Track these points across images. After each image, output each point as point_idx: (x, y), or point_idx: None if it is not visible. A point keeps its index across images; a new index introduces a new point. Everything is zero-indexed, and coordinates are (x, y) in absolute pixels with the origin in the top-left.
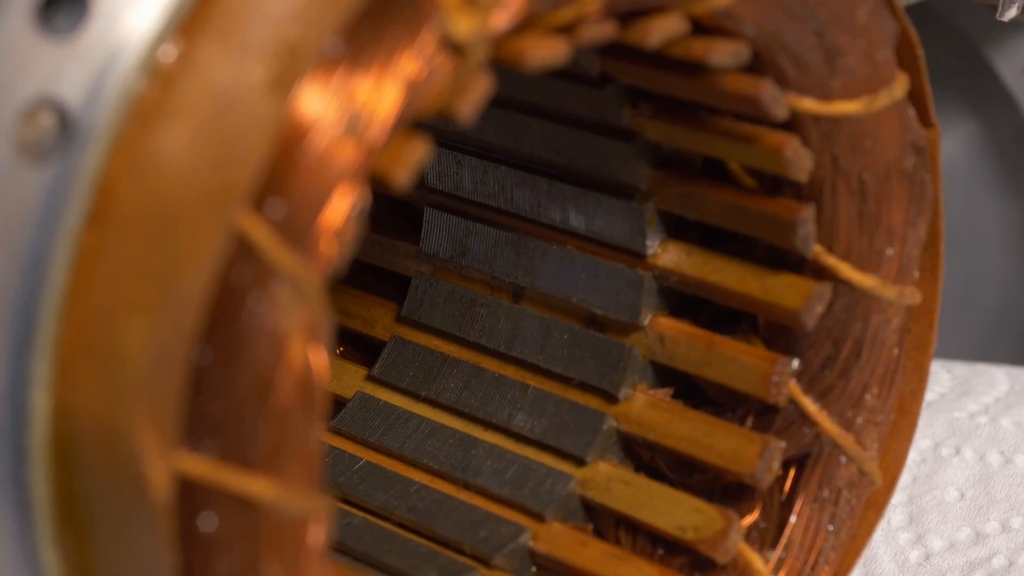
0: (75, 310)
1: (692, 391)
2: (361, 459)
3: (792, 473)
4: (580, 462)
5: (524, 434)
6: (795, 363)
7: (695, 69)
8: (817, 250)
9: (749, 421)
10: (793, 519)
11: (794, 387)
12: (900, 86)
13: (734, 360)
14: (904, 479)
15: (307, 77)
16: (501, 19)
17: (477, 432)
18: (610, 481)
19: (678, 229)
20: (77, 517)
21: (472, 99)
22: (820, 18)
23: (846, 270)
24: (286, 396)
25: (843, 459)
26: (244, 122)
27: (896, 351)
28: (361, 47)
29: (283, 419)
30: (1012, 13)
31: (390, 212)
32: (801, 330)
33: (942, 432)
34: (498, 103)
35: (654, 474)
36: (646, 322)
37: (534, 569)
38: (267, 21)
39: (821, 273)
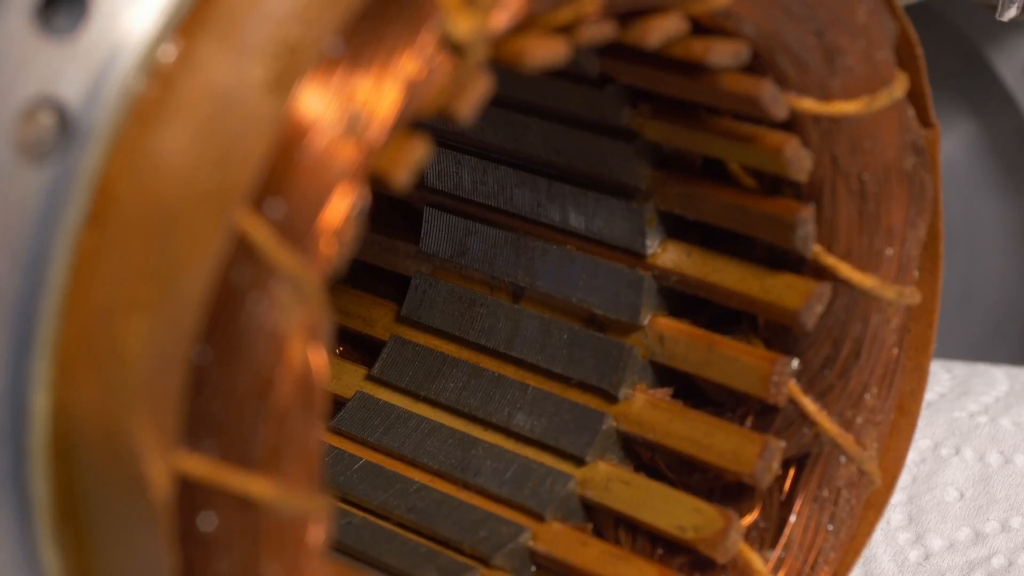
0: (75, 310)
1: (692, 391)
2: (361, 459)
3: (792, 473)
4: (580, 462)
5: (524, 434)
6: (795, 363)
7: (695, 69)
8: (817, 250)
9: (749, 421)
10: (793, 519)
11: (794, 387)
12: (900, 86)
13: (734, 360)
14: (904, 479)
15: (307, 77)
16: (501, 19)
17: (477, 432)
18: (610, 481)
19: (678, 229)
20: (77, 517)
21: (472, 99)
22: (820, 18)
23: (846, 270)
24: (286, 396)
25: (843, 459)
26: (244, 122)
27: (896, 351)
28: (361, 47)
29: (283, 419)
30: (1012, 13)
31: (390, 212)
32: (801, 330)
33: (942, 432)
34: (498, 103)
35: (654, 474)
36: (646, 322)
37: (534, 569)
38: (267, 21)
39: (821, 273)
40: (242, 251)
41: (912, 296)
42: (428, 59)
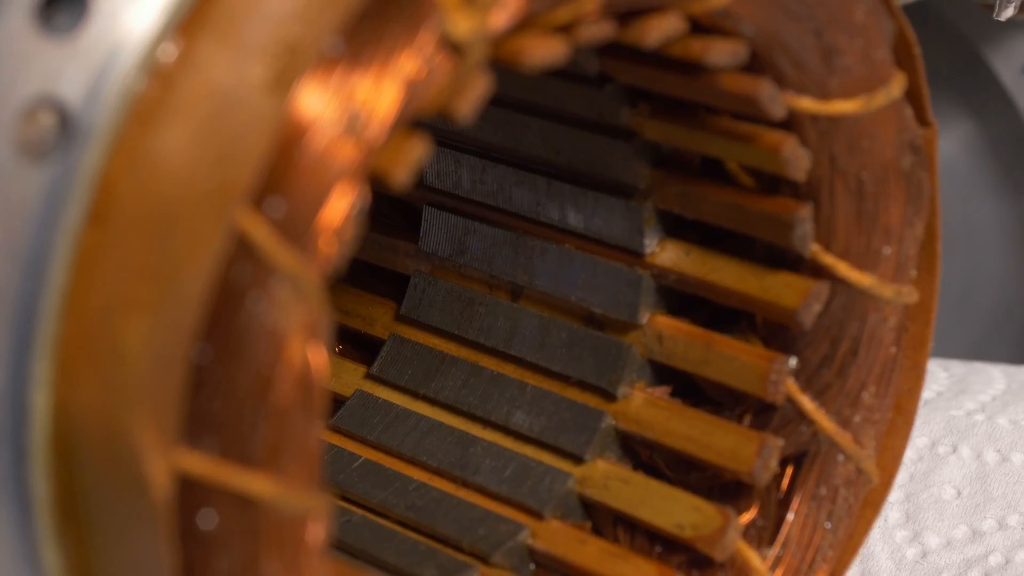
0: (75, 309)
1: (690, 389)
2: (360, 457)
3: (790, 471)
4: (578, 460)
5: (523, 432)
6: (793, 361)
7: (693, 68)
8: (815, 249)
9: (747, 419)
10: (791, 517)
11: (792, 385)
12: (897, 85)
13: (732, 359)
14: (901, 477)
15: (307, 76)
16: (500, 19)
17: (476, 430)
18: (608, 479)
19: (676, 228)
20: (77, 515)
21: (471, 98)
22: (818, 18)
23: (844, 269)
24: (285, 394)
25: (840, 457)
26: (244, 121)
27: (893, 350)
28: (360, 46)
29: (282, 417)
30: (1009, 12)
31: (389, 211)
32: (799, 329)
33: (939, 430)
34: (497, 102)
35: (652, 472)
36: (644, 321)
37: (532, 567)
38: (267, 21)
39: (819, 272)
40: (242, 250)
41: (910, 295)
42: (427, 58)
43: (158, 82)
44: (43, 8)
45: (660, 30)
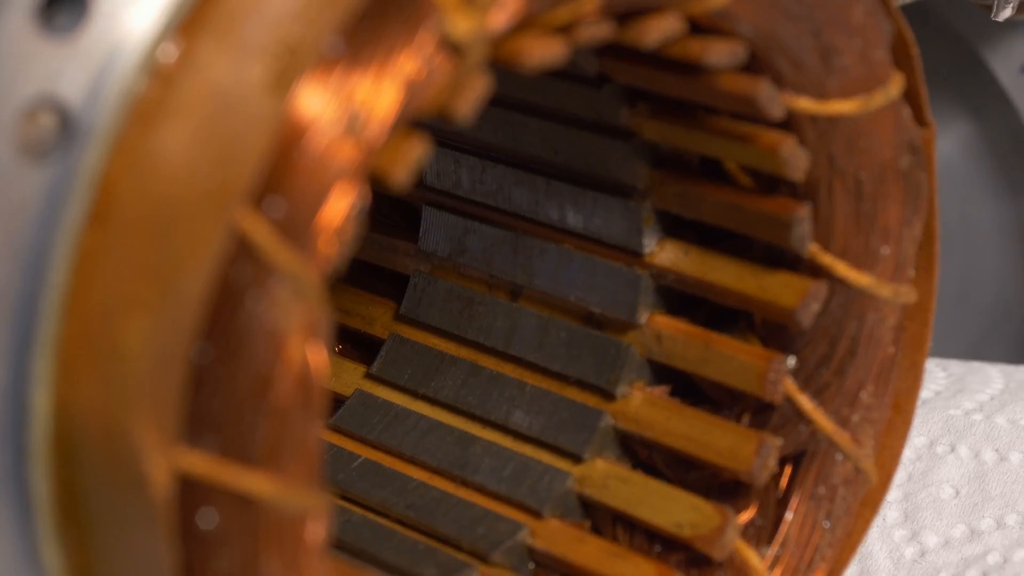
0: (76, 309)
1: (689, 389)
2: (360, 456)
3: (788, 470)
4: (577, 459)
5: (522, 431)
6: (791, 361)
7: (692, 69)
8: (813, 249)
9: (745, 419)
10: (789, 516)
11: (790, 385)
12: (896, 86)
13: (731, 358)
14: (899, 476)
15: (306, 77)
16: (499, 19)
17: (475, 429)
18: (607, 478)
19: (675, 228)
20: (78, 515)
21: (470, 99)
22: (817, 18)
23: (842, 269)
24: (285, 394)
25: (839, 456)
26: (244, 121)
27: (892, 349)
28: (360, 47)
29: (282, 416)
30: (1007, 13)
31: (389, 211)
32: (797, 328)
33: (937, 429)
34: (496, 102)
35: (651, 471)
36: (643, 320)
37: (532, 566)
38: (266, 21)
39: (817, 272)
40: (242, 250)
41: (908, 295)
42: (427, 59)
43: (158, 82)
44: (43, 8)
45: (659, 30)
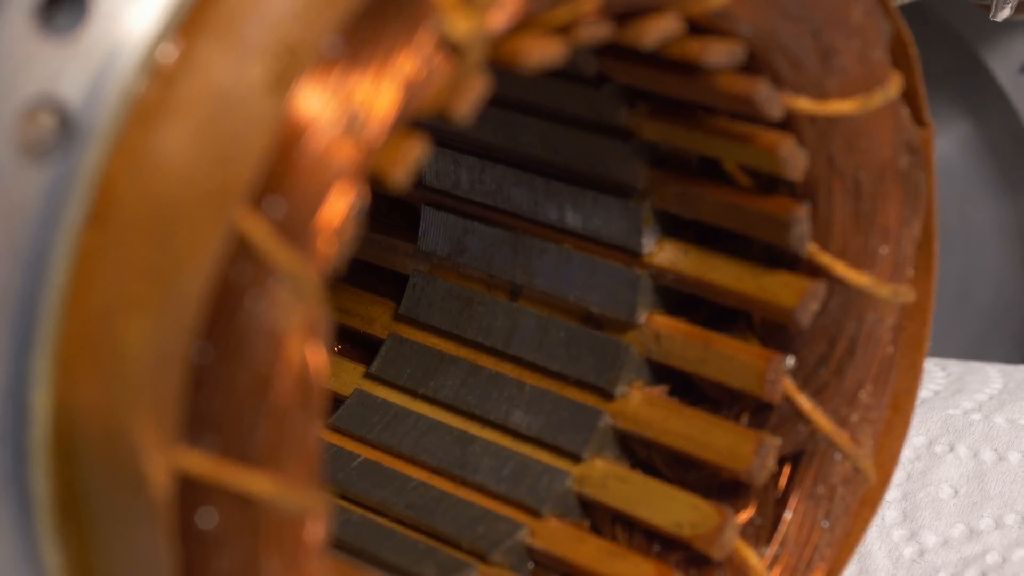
0: (76, 308)
1: (688, 388)
2: (359, 456)
3: (787, 470)
4: (577, 459)
5: (521, 431)
6: (790, 361)
7: (691, 69)
8: (812, 248)
9: (744, 418)
10: (788, 516)
11: (789, 384)
12: (894, 86)
13: (730, 358)
14: (898, 476)
15: (306, 77)
16: (498, 19)
17: (474, 429)
18: (607, 478)
19: (674, 228)
20: (77, 514)
21: (470, 99)
22: (816, 18)
23: (841, 268)
24: (285, 393)
25: (838, 456)
26: (243, 121)
27: (890, 349)
28: (359, 47)
29: (282, 416)
30: (1006, 13)
31: (388, 210)
32: (796, 328)
33: (936, 429)
34: (496, 102)
35: (650, 471)
36: (642, 320)
37: (531, 565)
38: (266, 21)
39: (816, 271)
40: (241, 250)
41: (907, 294)
42: (426, 59)
43: (158, 82)
44: (43, 8)
45: (658, 31)
